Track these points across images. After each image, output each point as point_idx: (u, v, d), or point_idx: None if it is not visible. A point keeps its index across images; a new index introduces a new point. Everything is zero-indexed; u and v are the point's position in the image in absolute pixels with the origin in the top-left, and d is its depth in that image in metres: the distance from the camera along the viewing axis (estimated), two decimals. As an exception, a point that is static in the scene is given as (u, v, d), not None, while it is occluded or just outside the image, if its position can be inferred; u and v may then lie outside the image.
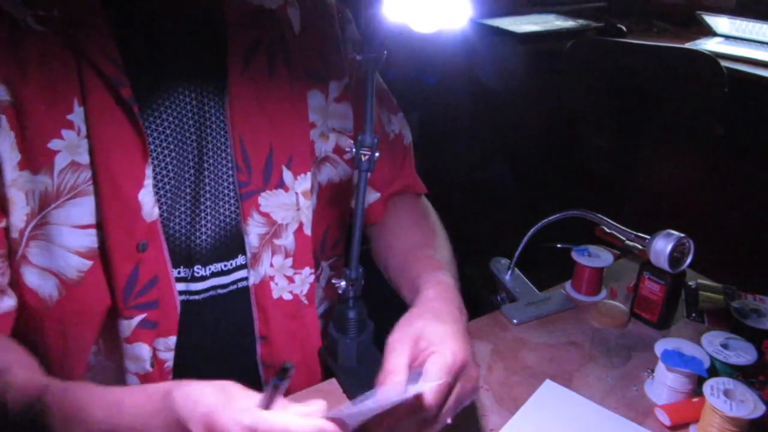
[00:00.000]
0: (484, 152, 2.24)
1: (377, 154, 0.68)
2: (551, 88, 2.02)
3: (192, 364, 0.76)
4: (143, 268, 0.68)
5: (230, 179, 0.72)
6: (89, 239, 0.66)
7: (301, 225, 0.77)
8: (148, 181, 0.66)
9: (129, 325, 0.69)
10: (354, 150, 0.68)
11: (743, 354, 0.75)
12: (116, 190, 0.64)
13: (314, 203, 0.79)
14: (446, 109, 2.20)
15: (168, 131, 0.68)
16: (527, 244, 0.93)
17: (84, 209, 0.65)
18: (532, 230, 0.92)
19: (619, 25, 2.19)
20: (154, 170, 0.68)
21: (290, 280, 0.77)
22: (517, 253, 0.94)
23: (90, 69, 0.63)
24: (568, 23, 2.27)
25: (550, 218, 0.91)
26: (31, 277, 0.67)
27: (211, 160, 0.71)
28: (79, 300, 0.68)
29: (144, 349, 0.71)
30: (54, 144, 0.63)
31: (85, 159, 0.64)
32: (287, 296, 0.78)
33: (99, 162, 0.64)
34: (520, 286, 0.94)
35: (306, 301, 0.80)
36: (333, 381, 0.76)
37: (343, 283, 0.73)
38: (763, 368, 0.74)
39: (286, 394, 0.74)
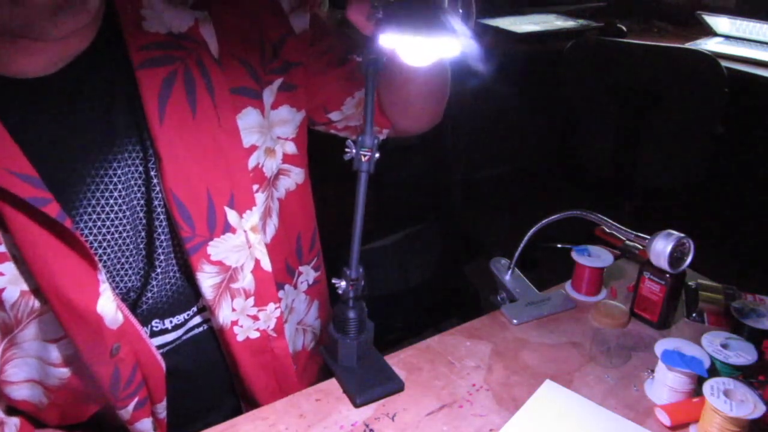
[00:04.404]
0: (484, 152, 2.24)
1: (377, 155, 0.68)
2: (551, 88, 2.02)
3: (179, 404, 0.77)
4: (123, 365, 0.67)
5: (177, 235, 0.69)
6: (62, 350, 0.65)
7: (257, 262, 0.73)
8: (104, 286, 0.63)
9: (126, 412, 0.69)
10: (354, 151, 0.68)
11: (743, 354, 0.75)
12: (72, 309, 0.61)
13: (276, 223, 0.78)
14: (446, 109, 2.20)
15: (113, 215, 0.65)
16: (527, 244, 0.93)
17: (49, 326, 0.63)
18: (532, 230, 0.92)
19: (619, 25, 2.19)
20: (107, 260, 0.66)
21: (255, 318, 0.75)
22: (517, 253, 0.94)
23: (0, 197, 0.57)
24: (568, 23, 2.27)
25: (550, 218, 0.91)
26: (17, 392, 0.67)
27: (157, 222, 0.68)
28: (68, 401, 0.69)
29: (146, 424, 0.71)
30: None
31: (32, 284, 0.61)
32: (254, 334, 0.76)
33: (44, 285, 0.60)
34: (520, 286, 0.94)
35: (274, 334, 0.78)
36: (333, 381, 0.76)
37: (343, 283, 0.73)
38: (763, 368, 0.74)
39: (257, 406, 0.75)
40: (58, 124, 0.61)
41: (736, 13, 2.18)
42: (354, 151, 0.68)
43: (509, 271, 0.96)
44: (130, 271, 0.68)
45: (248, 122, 0.71)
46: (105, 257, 0.66)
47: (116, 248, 0.67)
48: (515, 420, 0.71)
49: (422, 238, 1.95)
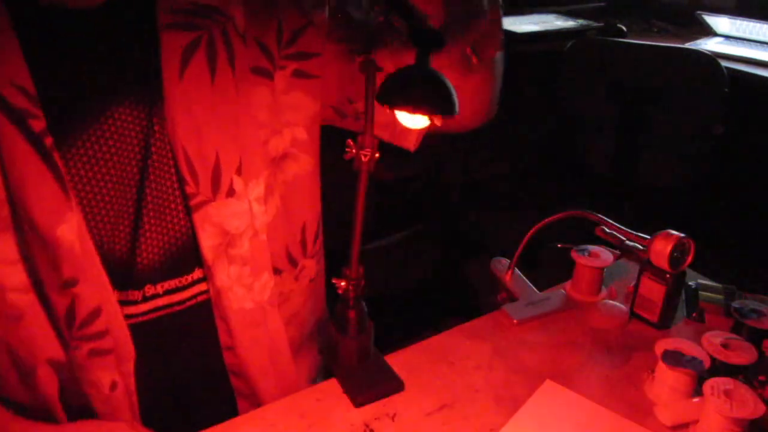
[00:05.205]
0: (484, 152, 2.24)
1: (377, 155, 0.68)
2: (551, 88, 2.02)
3: (160, 378, 0.76)
4: (80, 302, 0.66)
5: (176, 192, 0.70)
6: (20, 274, 0.64)
7: (256, 232, 0.74)
8: (71, 215, 0.63)
9: (78, 355, 0.68)
10: (354, 150, 0.67)
11: (743, 354, 0.75)
12: (34, 227, 0.62)
13: (278, 204, 0.78)
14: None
15: (100, 156, 0.65)
16: (527, 244, 0.93)
17: (8, 244, 0.63)
18: (532, 230, 0.92)
19: (619, 25, 2.19)
20: (87, 199, 0.66)
21: (249, 288, 0.75)
22: (517, 253, 0.94)
23: None
24: (568, 23, 2.27)
25: (550, 218, 0.91)
26: None
27: (153, 176, 0.68)
28: (25, 335, 0.67)
29: (99, 376, 0.69)
30: None
31: (6, 194, 0.61)
32: (248, 305, 0.76)
33: (15, 197, 0.61)
34: (520, 286, 0.94)
35: (268, 307, 0.78)
36: (333, 381, 0.76)
37: (343, 283, 0.73)
38: (763, 368, 0.74)
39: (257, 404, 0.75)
40: (72, 58, 0.63)
41: (736, 13, 2.19)
42: (354, 150, 0.68)
43: (509, 271, 0.96)
44: (113, 220, 0.68)
45: (260, 99, 0.73)
46: (86, 201, 0.66)
47: (99, 195, 0.66)
48: (515, 420, 0.71)
49: (422, 237, 1.95)
